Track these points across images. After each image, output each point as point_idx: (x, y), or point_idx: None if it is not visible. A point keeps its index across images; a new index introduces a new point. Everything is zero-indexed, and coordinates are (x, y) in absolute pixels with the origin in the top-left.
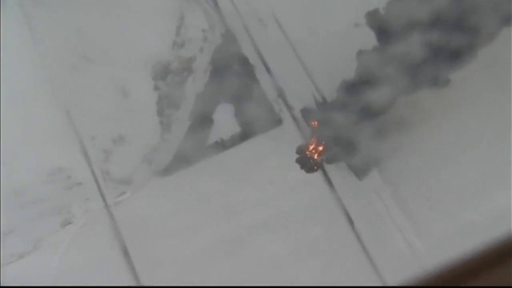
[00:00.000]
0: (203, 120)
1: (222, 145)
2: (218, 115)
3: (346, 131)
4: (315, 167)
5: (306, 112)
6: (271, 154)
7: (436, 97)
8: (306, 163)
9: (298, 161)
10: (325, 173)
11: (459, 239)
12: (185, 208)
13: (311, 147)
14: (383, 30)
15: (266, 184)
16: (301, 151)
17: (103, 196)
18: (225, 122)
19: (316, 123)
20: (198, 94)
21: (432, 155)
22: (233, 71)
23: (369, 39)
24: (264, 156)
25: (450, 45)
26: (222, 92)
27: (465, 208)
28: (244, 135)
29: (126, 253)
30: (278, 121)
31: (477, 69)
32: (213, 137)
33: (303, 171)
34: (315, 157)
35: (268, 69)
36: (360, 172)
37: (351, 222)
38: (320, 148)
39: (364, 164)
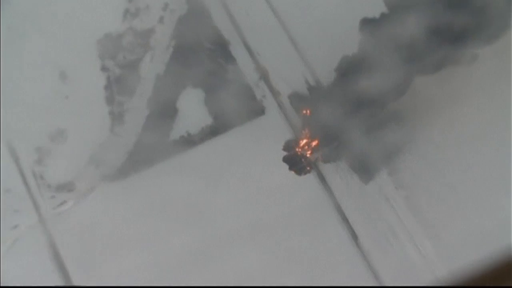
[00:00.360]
0: (165, 110)
1: (190, 141)
2: (184, 103)
3: (346, 123)
4: (308, 168)
5: (296, 99)
6: (251, 151)
7: (441, 84)
8: (297, 163)
9: (286, 160)
10: (320, 174)
11: (478, 248)
12: (143, 218)
13: (302, 143)
14: None
15: (244, 188)
16: (290, 147)
17: (37, 207)
18: (192, 111)
19: (308, 112)
20: (158, 76)
21: (445, 153)
22: (203, 48)
23: (376, 4)
24: (242, 154)
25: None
26: (188, 74)
27: (482, 214)
28: (217, 128)
29: (67, 279)
30: (260, 110)
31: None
32: (178, 130)
33: (292, 172)
34: (308, 154)
35: (247, 45)
36: (364, 173)
37: (353, 234)
38: (314, 143)
39: (370, 164)
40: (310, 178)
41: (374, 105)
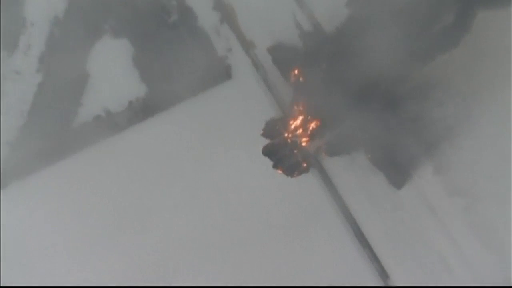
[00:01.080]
0: (68, 75)
1: (110, 123)
2: (99, 64)
3: (365, 91)
4: (304, 164)
5: (281, 53)
6: (210, 138)
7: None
8: (286, 157)
9: (268, 151)
10: (323, 174)
11: None
12: (32, 240)
13: (293, 124)
14: None
15: (197, 194)
16: (273, 131)
17: None
18: (114, 77)
19: (301, 74)
20: (55, 19)
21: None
22: None
23: None
24: (196, 143)
25: None
26: (105, 16)
27: None
28: (155, 103)
29: None
30: (224, 72)
31: None
32: (90, 107)
33: (279, 171)
34: (303, 143)
35: None
36: (396, 172)
37: (381, 270)
38: (312, 125)
39: (404, 157)
40: (307, 180)
41: (412, 59)
